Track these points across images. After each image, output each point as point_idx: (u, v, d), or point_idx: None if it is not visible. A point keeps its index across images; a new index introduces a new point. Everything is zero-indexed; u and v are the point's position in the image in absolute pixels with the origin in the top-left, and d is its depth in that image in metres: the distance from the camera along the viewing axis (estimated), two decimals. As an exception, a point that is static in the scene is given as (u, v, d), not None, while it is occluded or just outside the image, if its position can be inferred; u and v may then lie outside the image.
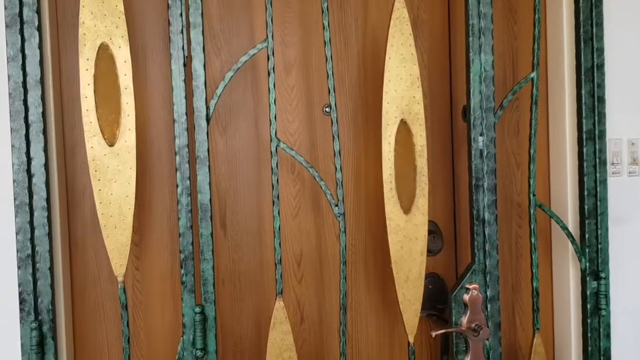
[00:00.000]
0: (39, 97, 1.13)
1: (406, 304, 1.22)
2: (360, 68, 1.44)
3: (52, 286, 1.14)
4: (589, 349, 1.36)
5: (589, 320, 1.36)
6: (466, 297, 1.24)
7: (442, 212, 1.48)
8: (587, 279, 1.35)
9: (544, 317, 1.49)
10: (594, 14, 1.35)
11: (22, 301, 1.13)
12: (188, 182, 1.17)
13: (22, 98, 1.12)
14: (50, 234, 1.14)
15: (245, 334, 1.38)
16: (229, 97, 1.37)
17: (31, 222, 1.13)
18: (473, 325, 1.23)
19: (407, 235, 1.22)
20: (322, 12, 1.21)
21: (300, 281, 1.41)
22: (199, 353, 1.16)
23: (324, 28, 1.21)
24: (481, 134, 1.27)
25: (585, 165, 1.36)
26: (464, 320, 1.23)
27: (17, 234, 1.12)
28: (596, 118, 1.36)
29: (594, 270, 1.36)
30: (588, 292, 1.35)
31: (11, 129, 1.12)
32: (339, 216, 1.22)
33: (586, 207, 1.36)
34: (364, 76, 1.44)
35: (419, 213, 1.23)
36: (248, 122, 1.38)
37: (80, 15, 1.11)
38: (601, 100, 1.36)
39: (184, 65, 1.16)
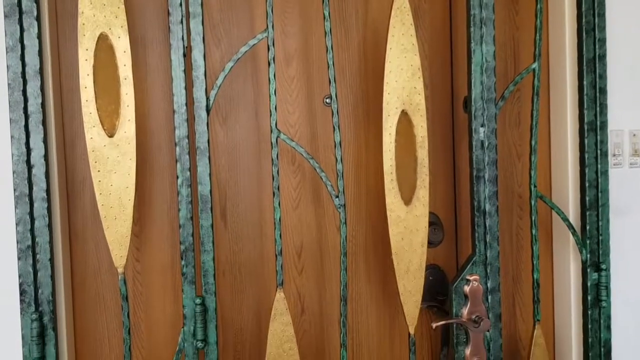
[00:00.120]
0: (38, 87, 1.13)
1: (407, 295, 1.22)
2: (361, 58, 1.43)
3: (52, 277, 1.14)
4: (590, 340, 1.36)
5: (589, 312, 1.36)
6: (467, 288, 1.24)
7: (442, 204, 1.48)
8: (588, 270, 1.35)
9: (544, 308, 1.49)
10: (596, 4, 1.34)
11: (22, 292, 1.13)
12: (188, 173, 1.16)
13: (22, 89, 1.12)
14: (50, 225, 1.14)
15: (245, 325, 1.38)
16: (229, 87, 1.36)
17: (31, 213, 1.13)
18: (473, 317, 1.23)
19: (408, 226, 1.22)
20: (323, 2, 1.20)
21: (300, 272, 1.41)
22: (199, 344, 1.16)
23: (324, 18, 1.20)
24: (482, 125, 1.26)
25: (586, 156, 1.35)
26: (465, 311, 1.24)
27: (17, 225, 1.12)
28: (598, 109, 1.35)
29: (595, 261, 1.36)
30: (589, 284, 1.35)
31: (10, 119, 1.12)
32: (340, 207, 1.22)
33: (587, 198, 1.36)
34: (365, 67, 1.43)
35: (419, 204, 1.22)
36: (248, 113, 1.38)
37: (79, 5, 1.10)
38: (603, 91, 1.35)
39: (184, 55, 1.16)
